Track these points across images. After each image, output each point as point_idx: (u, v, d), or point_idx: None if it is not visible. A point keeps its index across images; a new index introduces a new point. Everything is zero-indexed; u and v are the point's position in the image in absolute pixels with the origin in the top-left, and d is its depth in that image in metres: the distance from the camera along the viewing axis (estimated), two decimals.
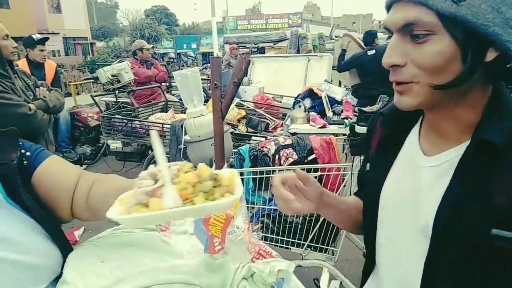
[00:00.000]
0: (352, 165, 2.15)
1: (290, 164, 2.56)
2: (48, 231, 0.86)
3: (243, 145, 3.00)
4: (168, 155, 3.68)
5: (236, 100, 4.92)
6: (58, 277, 0.84)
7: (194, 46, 28.78)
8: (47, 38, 4.55)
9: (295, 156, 2.62)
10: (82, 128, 5.17)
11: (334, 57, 6.82)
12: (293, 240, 2.34)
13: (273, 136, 3.67)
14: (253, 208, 2.50)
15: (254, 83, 6.95)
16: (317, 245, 2.30)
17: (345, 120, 3.48)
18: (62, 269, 0.85)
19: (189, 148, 2.78)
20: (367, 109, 2.38)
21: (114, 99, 5.16)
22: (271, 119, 4.67)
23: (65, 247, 0.90)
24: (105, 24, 49.64)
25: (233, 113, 4.62)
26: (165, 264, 0.91)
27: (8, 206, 0.79)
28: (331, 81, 5.41)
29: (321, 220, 2.22)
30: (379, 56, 0.83)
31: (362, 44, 5.27)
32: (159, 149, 0.71)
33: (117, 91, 5.08)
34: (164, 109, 5.02)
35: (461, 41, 0.61)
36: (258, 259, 0.98)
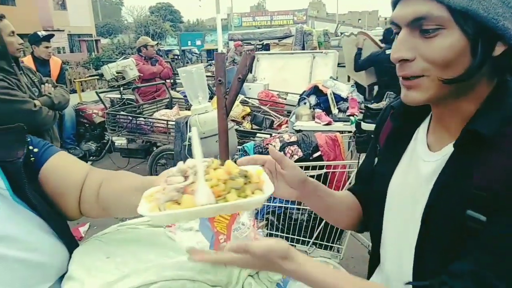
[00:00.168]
0: (358, 163, 2.14)
1: (295, 161, 2.54)
2: (55, 229, 0.86)
3: (247, 142, 2.99)
4: (172, 152, 3.69)
5: (241, 97, 4.91)
6: (65, 274, 0.84)
7: (198, 43, 28.78)
8: (52, 35, 4.57)
9: (300, 153, 2.60)
10: (87, 125, 5.19)
11: (340, 54, 6.79)
12: (298, 238, 2.34)
13: (278, 133, 3.66)
14: None
15: (259, 80, 6.94)
16: (322, 243, 2.30)
17: (351, 117, 3.47)
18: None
19: None
20: (373, 106, 2.36)
21: (119, 96, 5.18)
22: (276, 116, 4.66)
23: (72, 245, 0.90)
24: (109, 21, 49.80)
25: (238, 110, 4.62)
26: (170, 260, 0.91)
27: (14, 204, 0.79)
28: (337, 78, 5.38)
29: None
30: None
31: (378, 42, 5.19)
32: (197, 146, 0.70)
33: (122, 88, 5.09)
34: (169, 106, 5.02)
35: (471, 35, 0.61)
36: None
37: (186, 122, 3.36)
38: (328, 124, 3.47)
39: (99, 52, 25.93)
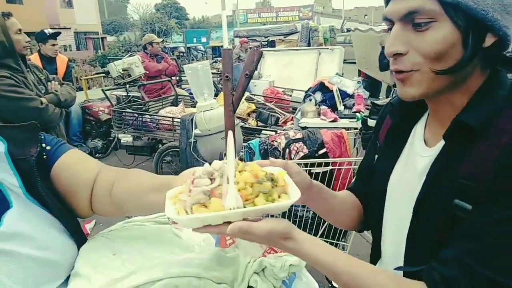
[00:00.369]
0: None
1: (300, 158, 2.54)
2: (66, 227, 0.86)
3: (253, 139, 2.98)
4: (178, 149, 3.70)
5: (246, 94, 4.90)
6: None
7: (204, 40, 28.75)
8: (59, 33, 4.60)
9: (305, 150, 2.59)
10: (93, 122, 5.22)
11: (346, 51, 6.74)
12: None
13: (283, 130, 3.65)
14: None
15: (264, 76, 6.91)
16: (327, 240, 2.29)
17: (357, 114, 3.45)
18: None
19: (200, 142, 2.78)
20: (379, 102, 2.35)
21: (125, 93, 5.19)
22: (281, 113, 4.65)
23: (82, 243, 0.91)
24: (115, 19, 49.92)
25: (243, 107, 4.61)
26: (176, 257, 0.91)
27: (27, 202, 0.79)
28: (342, 74, 5.35)
29: None
30: None
31: None
32: (232, 148, 0.69)
33: (127, 85, 5.11)
34: (174, 103, 5.03)
35: (462, 27, 0.63)
36: (269, 253, 0.98)
37: (192, 119, 3.36)
38: (334, 120, 3.45)
39: (105, 49, 26.01)
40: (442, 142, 0.74)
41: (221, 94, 2.90)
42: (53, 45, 4.31)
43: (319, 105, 3.70)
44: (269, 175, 0.69)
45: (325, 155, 2.57)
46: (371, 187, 0.93)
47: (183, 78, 6.98)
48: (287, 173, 0.79)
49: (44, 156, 0.87)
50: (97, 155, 5.12)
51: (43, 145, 0.87)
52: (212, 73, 4.95)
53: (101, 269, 0.84)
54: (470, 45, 0.64)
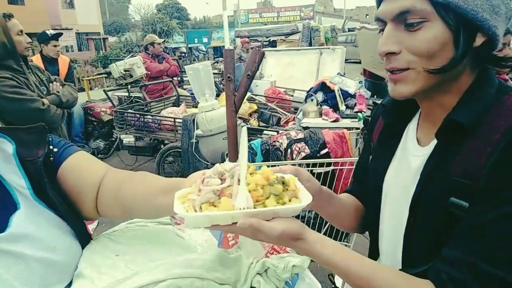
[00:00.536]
0: None
1: (302, 159, 2.54)
2: (73, 228, 0.86)
3: (254, 139, 2.98)
4: (180, 150, 3.70)
5: (248, 94, 4.89)
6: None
7: (205, 40, 28.78)
8: (61, 34, 4.61)
9: (307, 150, 2.59)
10: (95, 123, 5.23)
11: (348, 50, 6.72)
12: None
13: (285, 130, 3.65)
14: None
15: (266, 77, 6.91)
16: None
17: (359, 114, 3.44)
18: None
19: (201, 142, 2.78)
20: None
21: (127, 94, 5.20)
22: (283, 113, 4.64)
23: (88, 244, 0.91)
24: (117, 19, 50.01)
25: (245, 107, 4.60)
26: (179, 258, 0.91)
27: (34, 203, 0.79)
28: (344, 74, 5.34)
29: None
30: None
31: None
32: (245, 148, 0.69)
33: (129, 86, 5.11)
34: (176, 104, 5.04)
35: (453, 26, 0.65)
36: (272, 254, 0.97)
37: (193, 120, 3.37)
38: (336, 120, 3.44)
39: (107, 50, 26.06)
40: (434, 141, 0.74)
41: (223, 95, 2.90)
42: (55, 46, 4.32)
43: (320, 105, 3.69)
44: (280, 179, 0.69)
45: (327, 155, 2.57)
46: (366, 187, 0.94)
47: (184, 79, 6.98)
48: (300, 179, 0.79)
49: (51, 158, 0.87)
50: (99, 155, 5.12)
51: (51, 147, 0.88)
52: (214, 74, 4.95)
53: (104, 270, 0.84)
54: (462, 44, 0.66)
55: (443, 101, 0.73)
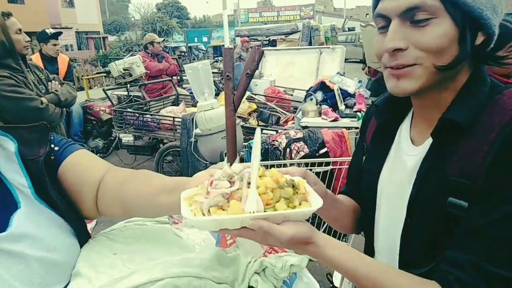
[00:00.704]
0: None
1: (301, 158, 2.53)
2: (73, 228, 0.86)
3: (253, 138, 2.98)
4: (179, 149, 3.70)
5: (247, 93, 4.90)
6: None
7: (205, 39, 28.75)
8: (60, 33, 4.60)
9: (306, 150, 2.59)
10: (94, 122, 5.23)
11: (348, 50, 6.71)
12: None
13: (284, 129, 3.65)
14: None
15: (265, 76, 6.91)
16: None
17: (358, 113, 3.43)
18: None
19: (200, 141, 2.78)
20: None
21: (126, 93, 5.19)
22: (282, 112, 4.64)
23: None
24: (117, 18, 49.96)
25: (244, 106, 4.60)
26: (177, 257, 0.91)
27: (35, 202, 0.79)
28: (344, 73, 5.34)
29: None
30: None
31: None
32: (258, 150, 0.68)
33: (128, 85, 5.11)
34: (175, 103, 5.04)
35: (460, 23, 0.65)
36: (270, 253, 0.97)
37: (193, 119, 3.36)
38: (335, 120, 3.44)
39: (107, 49, 26.03)
40: (429, 141, 0.74)
41: (222, 94, 2.90)
42: (55, 45, 4.31)
43: (320, 105, 3.69)
44: (290, 181, 0.67)
45: (325, 155, 2.57)
46: (361, 187, 0.94)
47: (184, 78, 6.98)
48: (307, 181, 0.78)
49: (52, 157, 0.86)
50: (98, 155, 5.11)
51: (52, 145, 0.87)
52: (213, 73, 4.96)
53: (102, 269, 0.84)
54: (468, 41, 0.66)
55: (439, 99, 0.73)
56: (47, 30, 4.33)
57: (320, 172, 2.22)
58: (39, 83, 2.50)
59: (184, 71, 5.29)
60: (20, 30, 2.48)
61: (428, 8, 0.64)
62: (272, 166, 2.33)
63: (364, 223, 0.95)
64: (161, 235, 1.00)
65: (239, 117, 4.16)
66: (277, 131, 3.37)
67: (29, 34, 2.60)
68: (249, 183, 0.66)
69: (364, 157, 0.95)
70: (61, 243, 0.81)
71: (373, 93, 4.06)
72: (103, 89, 4.87)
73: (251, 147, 2.69)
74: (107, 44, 29.00)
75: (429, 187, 0.71)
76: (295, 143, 2.60)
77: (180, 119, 3.83)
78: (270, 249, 0.99)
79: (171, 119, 4.11)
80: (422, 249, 0.73)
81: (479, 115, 0.67)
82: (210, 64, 4.01)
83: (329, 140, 2.59)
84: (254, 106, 4.76)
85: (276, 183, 0.66)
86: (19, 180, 0.78)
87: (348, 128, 3.03)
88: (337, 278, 1.33)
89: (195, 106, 3.94)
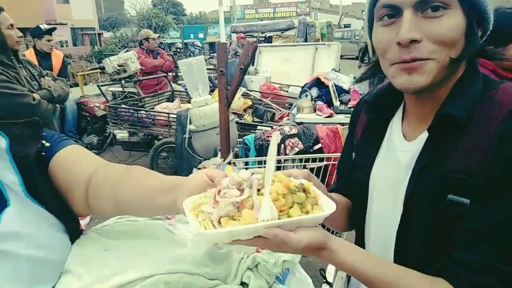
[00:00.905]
0: None
1: (295, 154, 2.53)
2: (65, 226, 0.84)
3: (248, 134, 2.97)
4: (174, 145, 3.69)
5: (243, 89, 4.89)
6: None
7: (201, 36, 28.61)
8: (55, 28, 4.57)
9: (300, 146, 2.59)
10: (88, 118, 5.20)
11: (343, 47, 6.72)
12: None
13: (279, 125, 3.65)
14: None
15: (261, 72, 6.90)
16: None
17: (353, 109, 3.43)
18: None
19: (194, 137, 2.77)
20: None
21: (121, 89, 5.16)
22: (277, 108, 4.64)
23: None
24: (112, 15, 49.63)
25: (239, 102, 4.60)
26: (168, 253, 0.90)
27: (26, 200, 0.78)
28: (339, 70, 5.34)
29: None
30: None
31: None
32: (273, 156, 0.66)
33: (123, 81, 5.08)
34: (170, 99, 5.02)
35: (469, 16, 0.65)
36: (263, 249, 0.97)
37: (187, 115, 3.35)
38: (330, 116, 3.44)
39: (102, 45, 25.86)
40: (422, 136, 0.74)
41: (217, 90, 2.88)
42: (49, 40, 4.27)
43: (315, 101, 3.69)
44: (301, 186, 0.65)
45: (320, 151, 2.57)
46: (352, 184, 0.93)
47: (179, 74, 6.95)
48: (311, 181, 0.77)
49: (43, 153, 0.85)
50: (93, 151, 5.08)
51: (43, 141, 0.85)
52: (209, 69, 4.95)
53: (92, 265, 0.83)
54: (478, 34, 0.67)
55: (437, 94, 0.72)
56: (41, 26, 4.30)
57: (314, 168, 2.22)
58: (32, 79, 2.48)
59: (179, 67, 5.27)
60: (12, 25, 2.45)
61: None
62: (265, 161, 2.32)
63: (355, 219, 0.95)
64: (153, 231, 1.00)
65: (234, 113, 4.15)
66: (272, 127, 3.37)
67: (23, 30, 2.57)
68: (258, 190, 0.64)
69: (354, 154, 0.94)
70: (51, 241, 0.80)
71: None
72: (98, 85, 4.84)
73: (246, 143, 2.68)
74: (102, 41, 28.80)
75: (427, 184, 0.69)
76: (289, 139, 2.60)
77: (175, 115, 3.81)
78: None
79: (166, 115, 4.09)
80: (420, 246, 0.72)
81: (475, 110, 0.67)
82: (206, 60, 4.00)
83: (323, 136, 2.59)
84: (250, 102, 4.76)
85: (287, 188, 0.64)
86: (9, 178, 0.76)
87: (342, 124, 3.03)
88: (330, 273, 1.33)
89: (190, 103, 3.92)
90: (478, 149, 0.63)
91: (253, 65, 7.27)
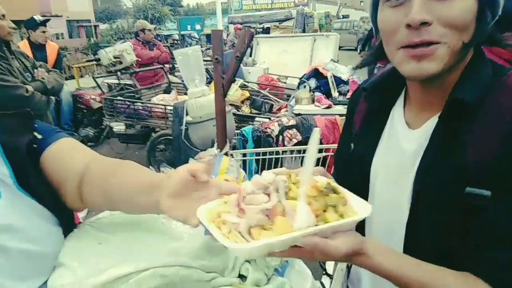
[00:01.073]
0: None
1: (294, 145, 2.52)
2: (58, 219, 0.83)
3: (246, 126, 2.95)
4: (171, 137, 3.66)
5: (240, 81, 4.86)
6: None
7: (198, 27, 28.43)
8: (49, 19, 4.53)
9: (299, 137, 2.58)
10: (85, 110, 5.17)
11: (342, 38, 6.68)
12: None
13: (277, 117, 3.62)
14: None
15: (259, 63, 6.87)
16: None
17: (349, 98, 3.41)
18: None
19: (191, 129, 2.75)
20: None
21: (117, 81, 5.12)
22: (275, 100, 4.61)
23: None
24: (108, 6, 49.13)
25: (237, 94, 4.57)
26: (164, 246, 0.89)
27: (17, 192, 0.76)
28: (337, 61, 5.30)
29: None
30: None
31: None
32: (313, 154, 0.62)
33: (119, 73, 5.03)
34: (167, 91, 4.97)
35: (481, 0, 0.63)
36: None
37: (184, 107, 3.32)
38: (328, 107, 3.42)
39: (98, 37, 25.68)
40: (429, 123, 0.71)
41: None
42: (43, 32, 4.24)
43: (313, 92, 3.66)
44: (329, 186, 0.61)
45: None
46: (351, 175, 0.90)
47: (176, 66, 6.90)
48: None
49: (35, 145, 0.83)
50: (89, 143, 5.06)
51: (35, 133, 0.83)
52: (206, 61, 4.91)
53: (86, 258, 0.82)
54: (490, 19, 0.65)
55: (444, 80, 0.69)
56: (35, 17, 4.26)
57: None
58: (25, 70, 2.44)
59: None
60: (3, 15, 2.40)
61: None
62: (264, 153, 2.31)
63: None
64: (148, 223, 0.98)
65: (231, 104, 4.12)
66: (270, 119, 3.34)
67: (18, 22, 2.53)
68: (286, 193, 0.59)
69: (352, 145, 0.91)
70: (45, 234, 0.78)
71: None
72: (93, 77, 4.80)
73: (243, 135, 2.66)
74: (98, 33, 28.56)
75: (440, 175, 0.67)
76: (287, 130, 2.58)
77: (171, 107, 3.78)
78: None
79: (163, 107, 4.06)
80: (432, 236, 0.69)
81: (488, 97, 0.64)
82: (203, 52, 3.96)
83: (322, 127, 2.57)
84: (247, 94, 4.73)
85: (317, 189, 0.59)
86: (0, 169, 0.75)
87: (341, 115, 3.01)
88: (330, 265, 1.32)
89: (187, 94, 3.89)
90: (495, 138, 0.61)
91: (250, 56, 7.24)
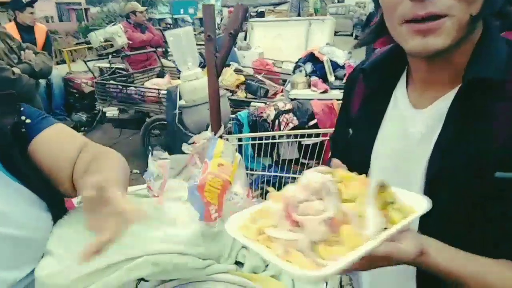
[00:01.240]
0: None
1: (291, 129, 2.48)
2: (48, 204, 0.81)
3: (241, 111, 2.91)
4: (165, 122, 3.60)
5: (235, 65, 4.78)
6: None
7: (191, 11, 28.00)
8: (36, 0, 4.37)
9: (295, 122, 2.54)
10: (77, 95, 5.08)
11: (338, 22, 6.59)
12: None
13: (273, 102, 3.57)
14: (253, 175, 2.44)
15: (253, 48, 6.77)
16: None
17: (346, 80, 3.36)
18: None
19: (185, 113, 2.69)
20: None
21: (108, 65, 5.02)
22: (271, 85, 4.55)
23: None
24: None
25: (232, 78, 4.50)
26: (157, 232, 0.86)
27: (4, 177, 0.74)
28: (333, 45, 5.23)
29: None
30: None
31: None
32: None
33: (110, 56, 4.92)
34: (160, 75, 4.88)
35: None
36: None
37: (178, 91, 3.25)
38: (325, 91, 3.37)
39: (89, 21, 25.20)
40: (437, 104, 0.67)
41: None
42: (31, 13, 4.11)
43: (309, 76, 3.60)
44: (380, 181, 0.52)
45: (315, 126, 2.52)
46: (350, 160, 0.86)
47: (168, 50, 6.78)
48: None
49: (23, 130, 0.81)
50: (82, 129, 4.99)
51: (23, 117, 0.81)
52: (199, 44, 4.81)
53: (74, 246, 0.78)
54: None
55: (452, 59, 0.64)
56: None
57: (310, 144, 2.17)
58: (11, 52, 2.36)
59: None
60: None
61: None
62: (260, 138, 2.27)
63: None
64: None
65: (226, 89, 4.06)
66: (265, 103, 3.30)
67: (5, 4, 2.43)
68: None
69: (350, 130, 0.86)
70: (33, 220, 0.76)
71: None
72: (84, 61, 4.69)
73: (239, 120, 2.61)
74: (89, 16, 28.00)
75: (462, 159, 0.62)
76: (284, 114, 2.54)
77: (165, 92, 3.70)
78: None
79: (156, 91, 3.98)
80: (449, 227, 0.63)
81: (508, 74, 0.60)
82: (196, 35, 3.86)
83: (318, 112, 2.53)
84: (242, 78, 4.65)
85: (365, 185, 0.51)
86: None
87: (338, 99, 2.97)
88: None
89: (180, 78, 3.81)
90: None
91: (245, 40, 7.14)
